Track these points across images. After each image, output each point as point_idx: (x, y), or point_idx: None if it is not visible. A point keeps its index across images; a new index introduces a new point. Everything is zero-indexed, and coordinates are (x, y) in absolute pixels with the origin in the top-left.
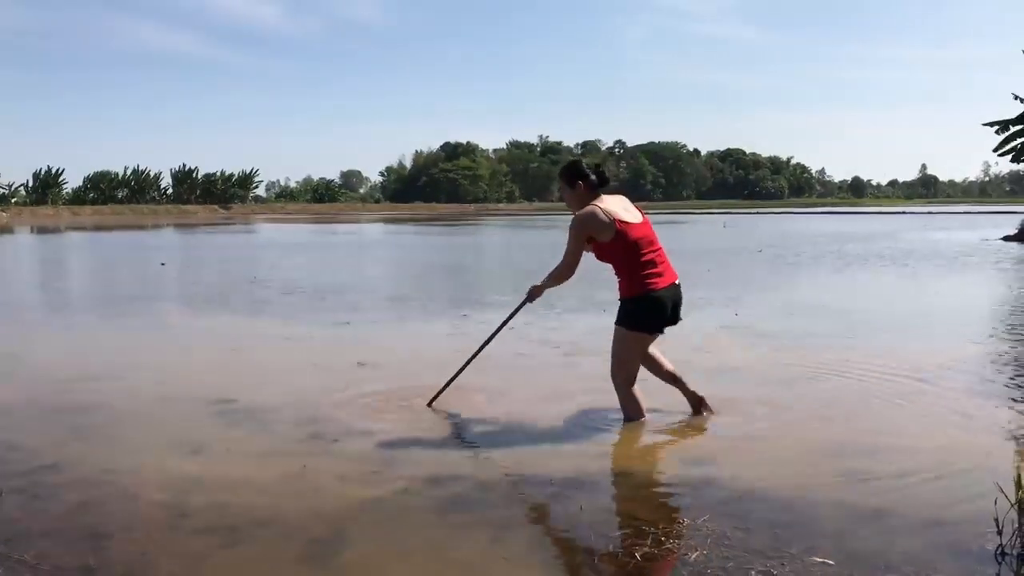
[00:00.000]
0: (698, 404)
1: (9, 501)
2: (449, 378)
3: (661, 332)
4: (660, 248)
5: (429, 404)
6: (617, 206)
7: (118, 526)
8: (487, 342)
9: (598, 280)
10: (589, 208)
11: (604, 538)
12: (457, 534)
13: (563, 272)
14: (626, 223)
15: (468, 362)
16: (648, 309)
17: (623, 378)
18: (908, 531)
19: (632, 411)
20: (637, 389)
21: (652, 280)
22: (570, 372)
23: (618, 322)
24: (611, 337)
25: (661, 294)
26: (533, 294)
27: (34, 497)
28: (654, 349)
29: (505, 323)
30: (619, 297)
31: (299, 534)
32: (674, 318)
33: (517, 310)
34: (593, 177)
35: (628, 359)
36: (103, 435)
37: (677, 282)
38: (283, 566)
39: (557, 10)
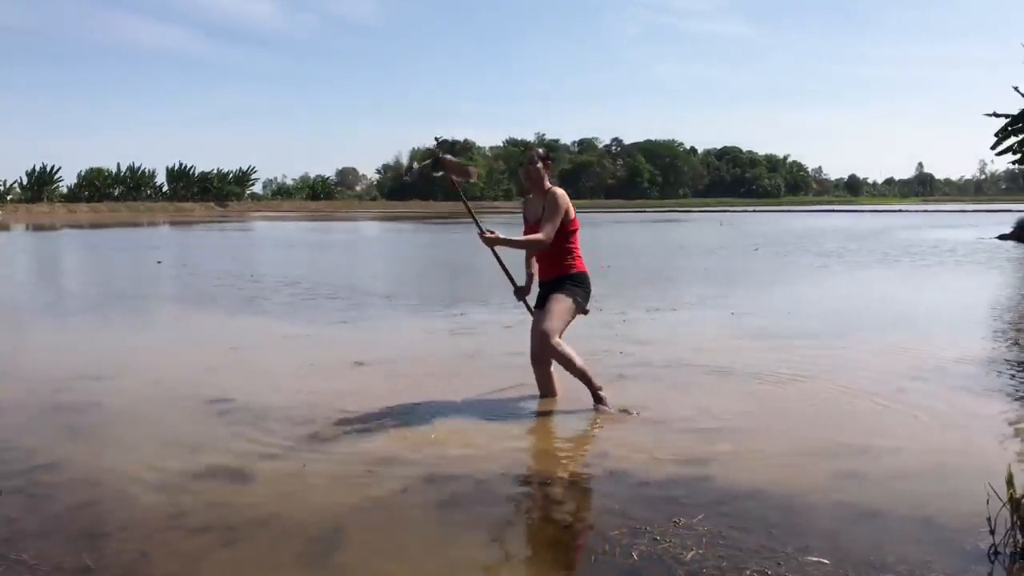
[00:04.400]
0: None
1: (7, 501)
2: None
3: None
4: None
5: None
6: None
7: (116, 526)
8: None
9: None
10: (559, 188)
11: (601, 537)
12: (454, 533)
13: (541, 242)
14: None
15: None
16: (589, 285)
17: (557, 339)
18: (902, 530)
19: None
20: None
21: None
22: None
23: (569, 293)
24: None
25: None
26: (486, 240)
27: (32, 497)
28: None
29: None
30: (567, 272)
31: (297, 533)
32: None
33: (473, 217)
34: None
35: (563, 327)
36: (100, 434)
37: None
38: (281, 565)
39: (554, 7)
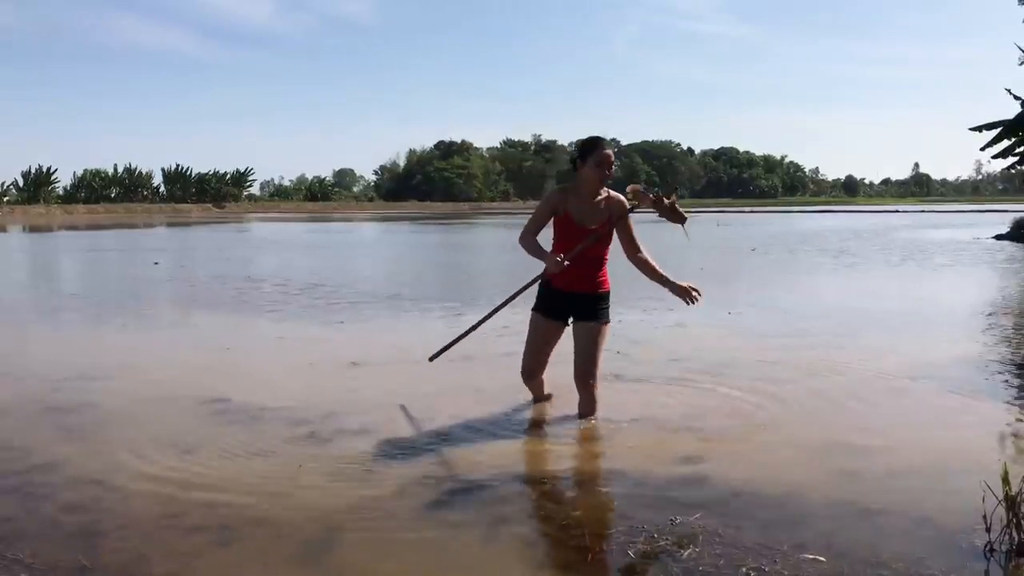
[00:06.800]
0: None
1: (3, 500)
2: (459, 335)
3: None
4: None
5: (431, 359)
6: None
7: (112, 525)
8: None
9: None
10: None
11: (597, 536)
12: (450, 533)
13: None
14: None
15: (484, 319)
16: None
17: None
18: (898, 528)
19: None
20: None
21: None
22: (562, 371)
23: (606, 320)
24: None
25: None
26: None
27: (28, 496)
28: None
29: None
30: (604, 290)
31: (293, 533)
32: None
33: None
34: None
35: None
36: (96, 434)
37: None
38: (276, 565)
39: (553, 7)
